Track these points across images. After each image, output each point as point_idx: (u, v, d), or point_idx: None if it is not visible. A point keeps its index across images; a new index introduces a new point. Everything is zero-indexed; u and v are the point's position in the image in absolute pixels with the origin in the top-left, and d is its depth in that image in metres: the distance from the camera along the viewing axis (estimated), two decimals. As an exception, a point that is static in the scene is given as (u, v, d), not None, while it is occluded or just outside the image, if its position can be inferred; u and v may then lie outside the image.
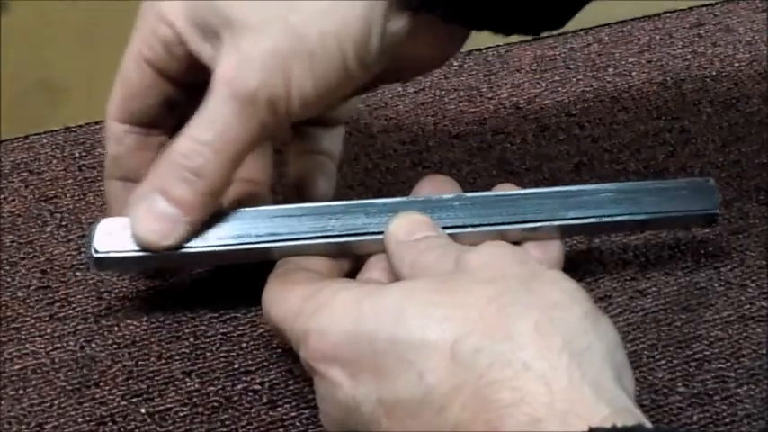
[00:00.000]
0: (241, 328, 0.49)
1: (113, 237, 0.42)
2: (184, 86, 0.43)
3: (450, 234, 0.42)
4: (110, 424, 0.46)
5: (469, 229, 0.43)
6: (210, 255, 0.43)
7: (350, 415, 0.37)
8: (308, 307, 0.39)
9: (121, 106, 0.44)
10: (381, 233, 0.42)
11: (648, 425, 0.32)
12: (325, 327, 0.38)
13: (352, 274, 0.44)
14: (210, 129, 0.40)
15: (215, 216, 0.43)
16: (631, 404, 0.34)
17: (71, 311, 0.49)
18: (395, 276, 0.41)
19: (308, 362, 0.38)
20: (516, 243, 0.44)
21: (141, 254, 0.42)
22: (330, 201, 0.47)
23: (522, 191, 0.45)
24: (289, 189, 0.50)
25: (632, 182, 0.47)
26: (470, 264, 0.38)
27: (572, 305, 0.35)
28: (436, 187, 0.45)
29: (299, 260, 0.43)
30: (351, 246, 0.43)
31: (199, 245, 0.42)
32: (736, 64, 0.62)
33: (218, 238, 0.43)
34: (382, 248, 0.42)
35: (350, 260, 0.44)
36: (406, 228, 0.42)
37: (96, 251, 0.42)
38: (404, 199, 0.44)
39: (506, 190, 0.45)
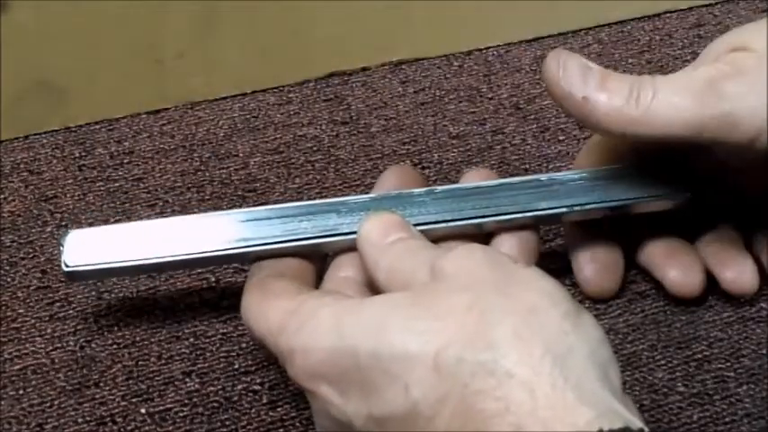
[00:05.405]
0: (241, 327, 0.49)
1: (84, 248, 0.42)
2: None
3: (424, 230, 0.42)
4: (110, 424, 0.46)
5: (443, 225, 0.43)
6: (182, 263, 0.43)
7: (344, 429, 0.37)
8: (291, 324, 0.38)
9: None
10: (354, 233, 0.42)
11: (636, 425, 0.32)
12: (309, 345, 0.37)
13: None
14: None
15: (183, 223, 0.43)
16: (618, 404, 0.33)
17: (71, 311, 0.49)
18: (368, 275, 0.41)
19: (296, 380, 0.38)
20: (490, 234, 0.44)
21: (113, 265, 0.42)
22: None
23: (493, 182, 0.45)
24: None
25: (604, 167, 0.47)
26: (445, 271, 0.37)
27: (550, 307, 0.35)
28: (400, 179, 0.45)
29: (274, 265, 0.43)
30: (324, 246, 0.43)
31: (169, 252, 0.42)
32: (736, 64, 0.62)
33: (189, 244, 0.43)
34: (356, 247, 0.42)
35: (324, 260, 0.44)
36: (378, 230, 0.41)
37: (66, 265, 0.42)
38: (374, 196, 0.44)
39: (478, 177, 0.45)
